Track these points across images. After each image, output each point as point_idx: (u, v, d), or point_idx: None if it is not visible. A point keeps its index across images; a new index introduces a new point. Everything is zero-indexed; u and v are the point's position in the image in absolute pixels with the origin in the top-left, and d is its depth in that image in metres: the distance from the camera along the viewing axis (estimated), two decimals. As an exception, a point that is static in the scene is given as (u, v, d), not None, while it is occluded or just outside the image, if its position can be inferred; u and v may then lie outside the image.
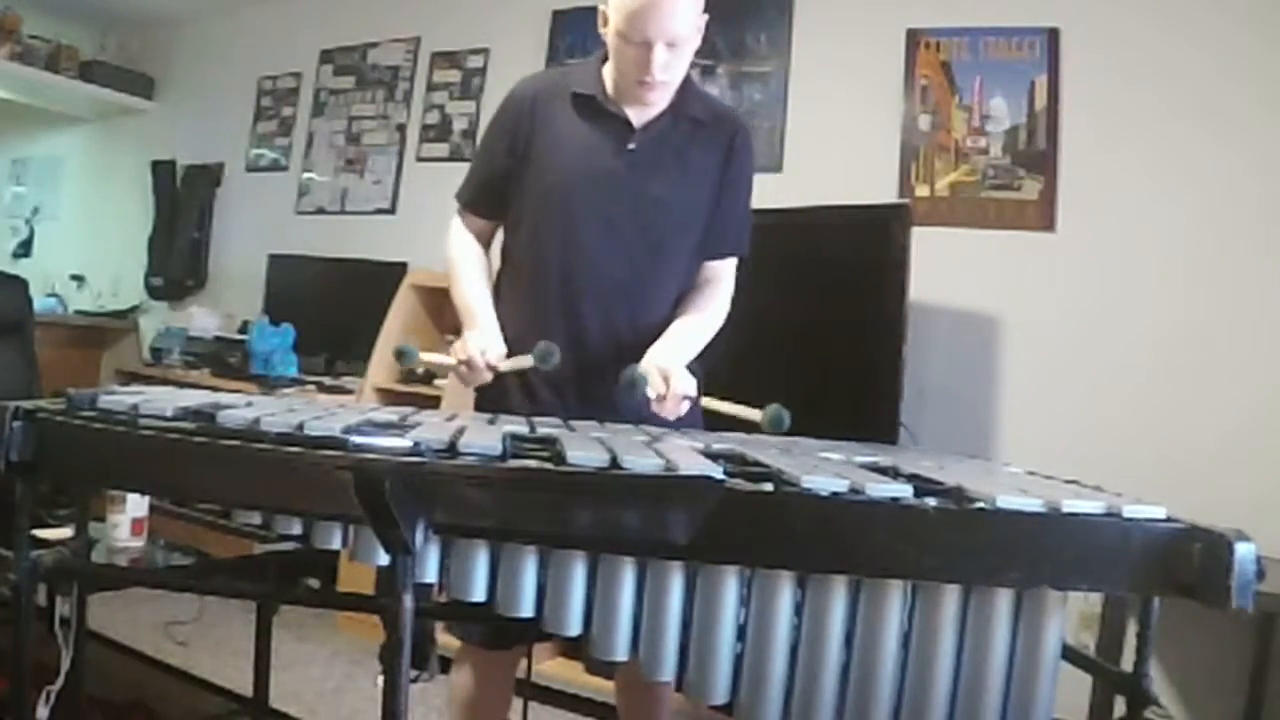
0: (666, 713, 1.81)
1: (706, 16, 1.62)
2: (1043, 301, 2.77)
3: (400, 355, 1.67)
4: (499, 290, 1.75)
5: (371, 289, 3.71)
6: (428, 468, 1.00)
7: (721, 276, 1.76)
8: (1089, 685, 2.25)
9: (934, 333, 2.80)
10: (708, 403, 1.69)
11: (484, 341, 1.60)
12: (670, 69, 1.58)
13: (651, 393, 1.51)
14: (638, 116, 1.66)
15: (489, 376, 1.59)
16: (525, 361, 1.57)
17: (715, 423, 1.62)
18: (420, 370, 1.53)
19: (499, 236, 1.81)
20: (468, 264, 1.74)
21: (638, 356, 1.59)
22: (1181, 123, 2.63)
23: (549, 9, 3.71)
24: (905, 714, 1.01)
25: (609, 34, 1.60)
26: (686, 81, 1.67)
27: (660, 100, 1.64)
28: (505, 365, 1.59)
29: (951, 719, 1.01)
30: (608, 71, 1.67)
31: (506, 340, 1.64)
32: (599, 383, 1.62)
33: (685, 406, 1.55)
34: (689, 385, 1.55)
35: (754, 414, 1.52)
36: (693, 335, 1.67)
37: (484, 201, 1.76)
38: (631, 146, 1.65)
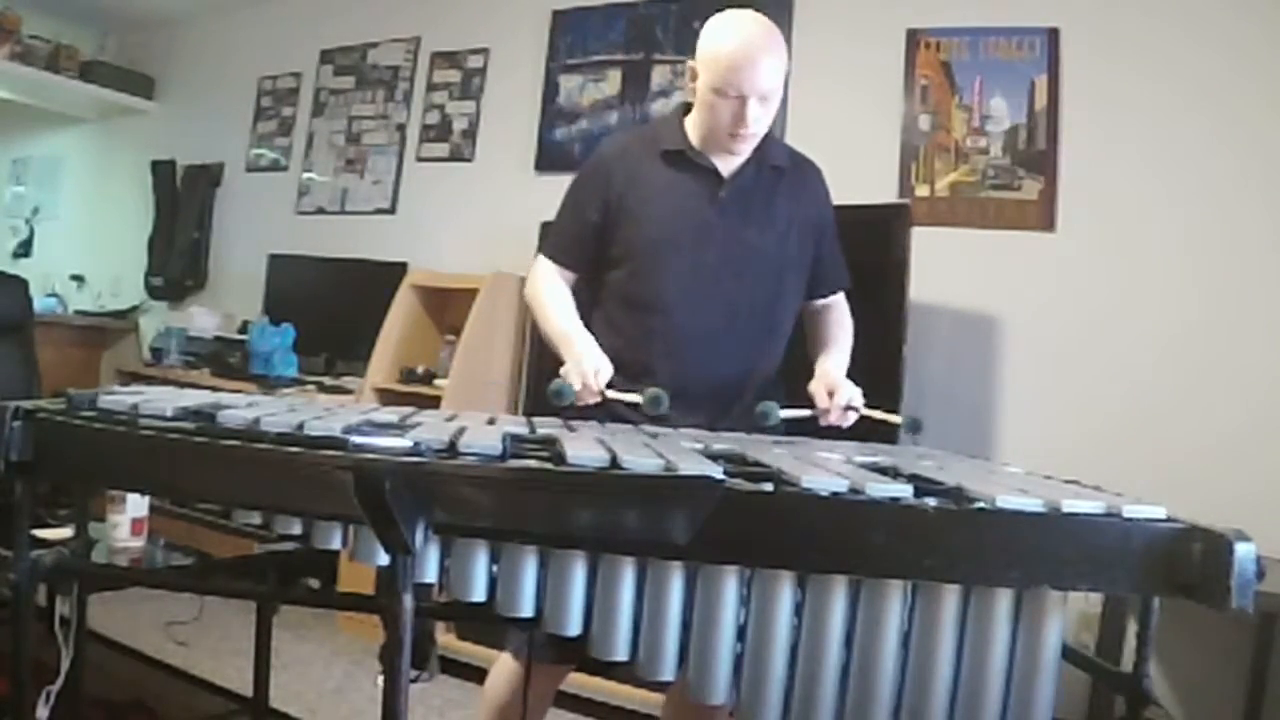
0: None
1: (789, 70, 1.69)
2: (1043, 301, 2.77)
3: (558, 395, 1.56)
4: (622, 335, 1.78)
5: (371, 289, 3.71)
6: (428, 468, 1.00)
7: (840, 305, 1.89)
8: (1089, 685, 2.26)
9: (934, 333, 2.80)
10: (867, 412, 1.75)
11: (596, 363, 1.59)
12: (760, 121, 1.65)
13: (792, 412, 1.62)
14: (724, 167, 1.72)
15: (599, 398, 1.59)
16: (634, 398, 1.56)
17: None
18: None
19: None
20: (559, 298, 1.76)
21: (735, 396, 1.71)
22: (1182, 122, 2.63)
23: (549, 9, 3.71)
24: (905, 714, 1.01)
25: (699, 88, 1.66)
26: (768, 131, 1.75)
27: (748, 150, 1.71)
28: (613, 394, 1.59)
29: (951, 719, 1.01)
30: (690, 124, 1.73)
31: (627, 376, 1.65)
32: (697, 422, 1.64)
33: (852, 417, 1.66)
34: (853, 395, 1.65)
35: (895, 419, 1.66)
36: (844, 349, 1.81)
37: (569, 256, 1.80)
38: (722, 195, 1.71)
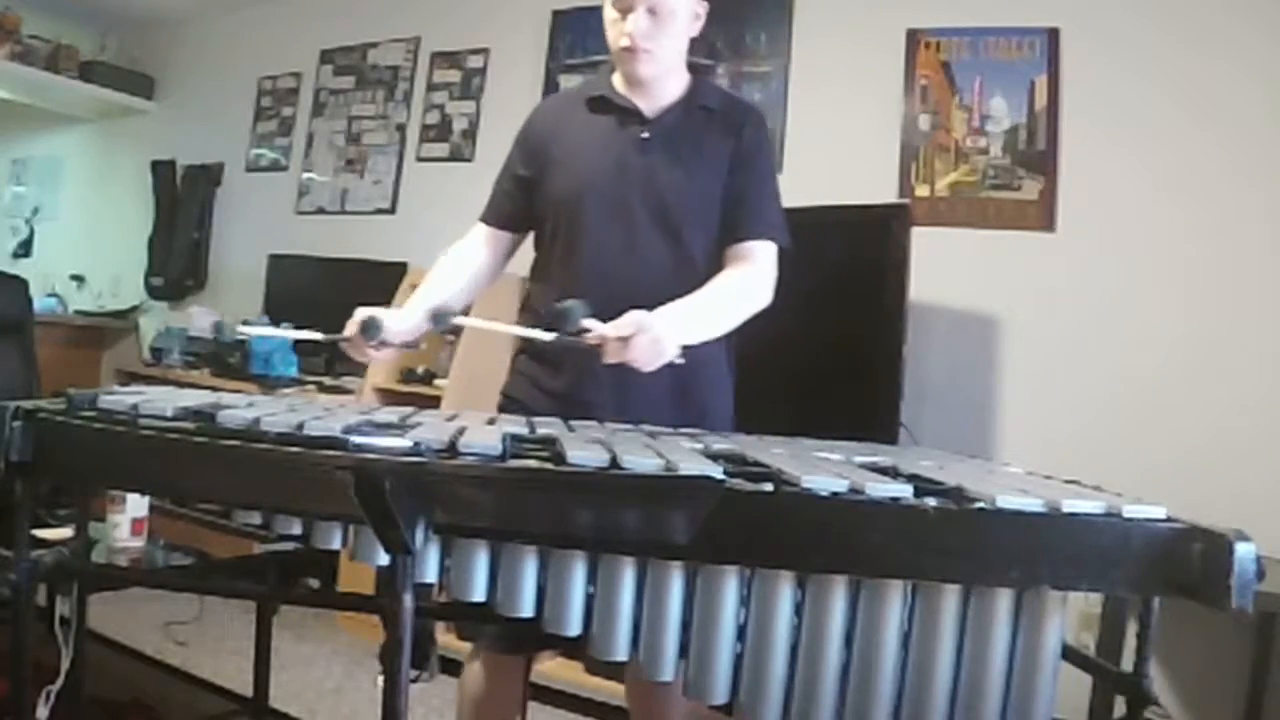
0: (679, 714, 1.81)
1: (707, 6, 1.67)
2: (1043, 301, 2.77)
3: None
4: (526, 310, 1.79)
5: (371, 289, 3.67)
6: (428, 468, 1.00)
7: (753, 256, 1.66)
8: (1089, 685, 2.25)
9: (934, 333, 2.80)
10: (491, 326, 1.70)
11: (363, 315, 1.62)
12: (652, 37, 1.60)
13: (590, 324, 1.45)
14: (648, 107, 1.68)
15: (364, 355, 1.66)
16: (522, 331, 1.51)
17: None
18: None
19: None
20: (439, 271, 1.77)
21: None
22: (1182, 122, 2.63)
23: (549, 9, 3.71)
24: (905, 714, 1.01)
25: (605, 9, 1.65)
26: (701, 75, 1.73)
27: (648, 72, 1.65)
28: (473, 322, 1.63)
29: (951, 719, 1.01)
30: (618, 73, 1.72)
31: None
32: (620, 373, 1.53)
33: (645, 360, 1.43)
34: (640, 335, 1.42)
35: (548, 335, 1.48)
36: (707, 300, 1.58)
37: (497, 214, 1.79)
38: (645, 135, 1.67)
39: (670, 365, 1.47)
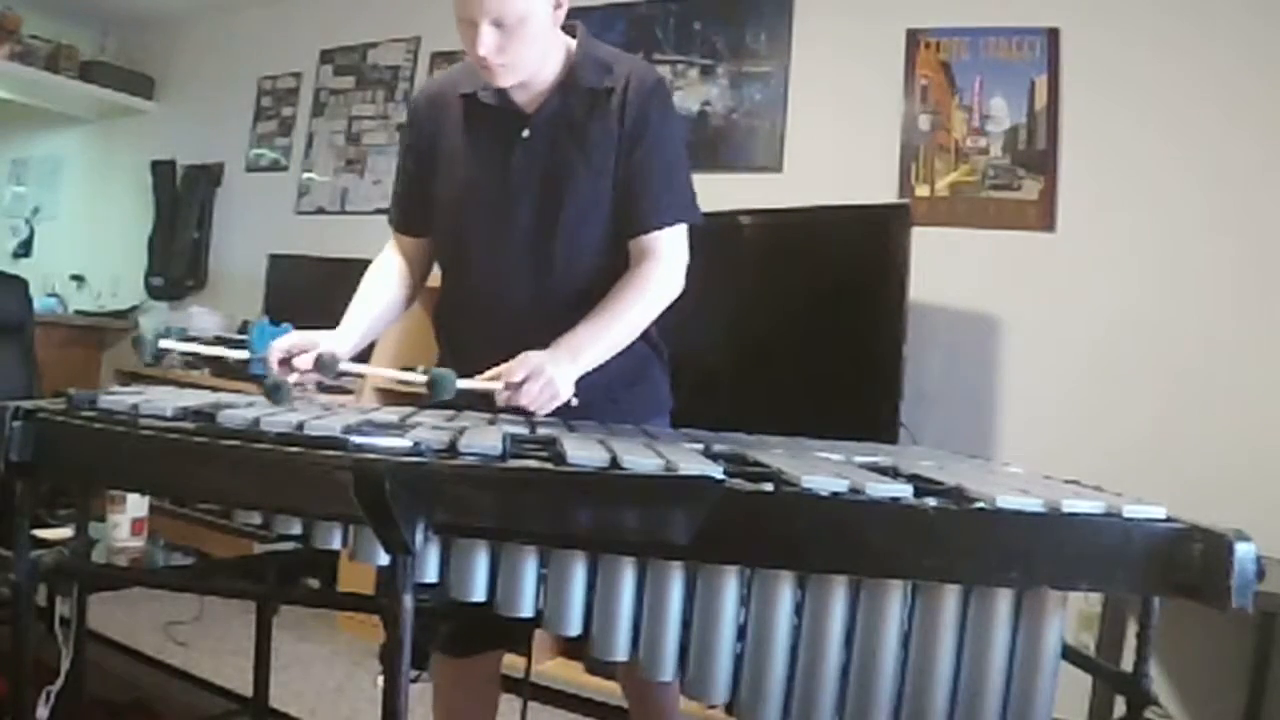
0: (675, 711, 1.80)
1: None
2: (1043, 301, 2.77)
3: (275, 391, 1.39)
4: (443, 311, 1.67)
5: (371, 289, 3.71)
6: (428, 468, 1.00)
7: (653, 251, 1.53)
8: (1089, 685, 2.25)
9: (934, 333, 2.80)
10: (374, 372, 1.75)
11: (289, 342, 1.45)
12: (505, 50, 1.44)
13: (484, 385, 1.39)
14: (525, 99, 1.54)
15: (296, 375, 1.44)
16: (408, 377, 1.36)
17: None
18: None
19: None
20: (365, 288, 1.64)
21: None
22: (1182, 122, 2.62)
23: (549, 9, 3.71)
24: (905, 714, 1.01)
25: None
26: (577, 50, 1.55)
27: (512, 78, 1.49)
28: (361, 369, 1.54)
29: (951, 719, 1.01)
30: None
31: (453, 359, 1.51)
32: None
33: (539, 404, 1.36)
34: (532, 385, 1.35)
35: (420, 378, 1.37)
36: (603, 323, 1.47)
37: (401, 218, 1.67)
38: (525, 134, 1.53)
39: (566, 405, 1.39)
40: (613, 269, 1.53)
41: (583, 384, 1.42)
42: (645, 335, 1.57)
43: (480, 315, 1.55)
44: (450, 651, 1.65)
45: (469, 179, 1.55)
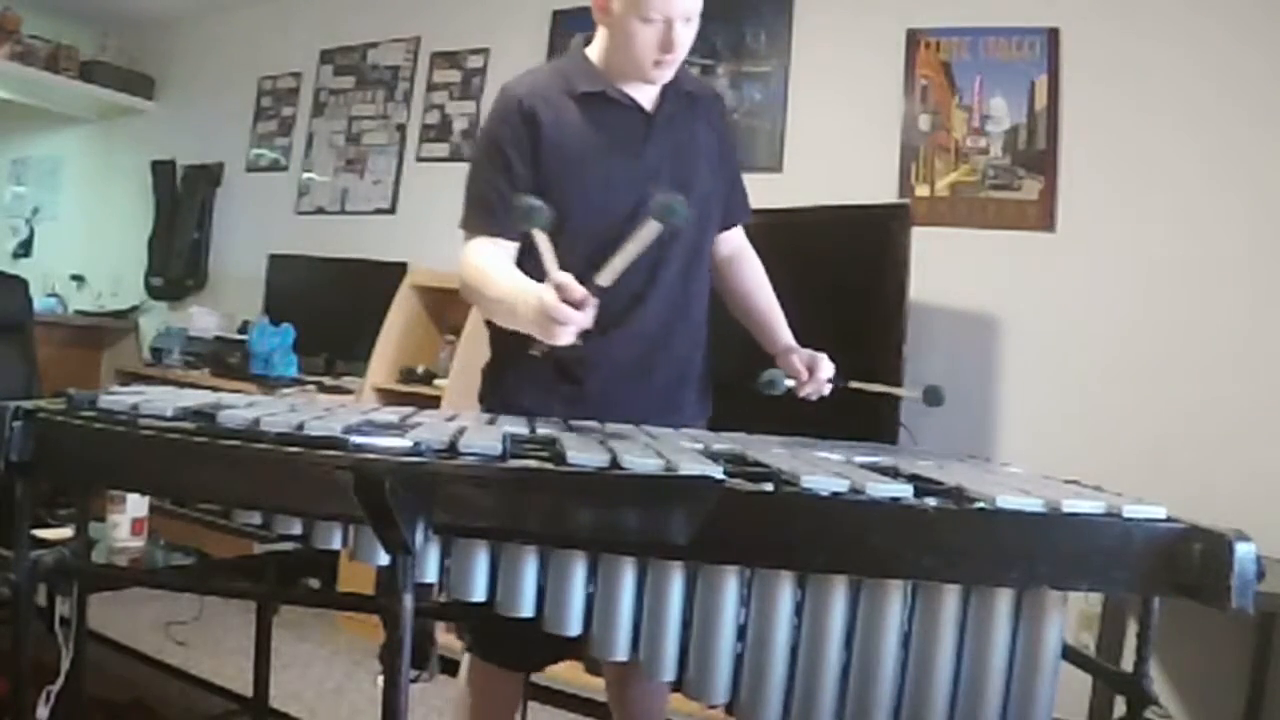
0: (662, 710, 1.81)
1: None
2: (1043, 301, 2.77)
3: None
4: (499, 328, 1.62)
5: (371, 289, 3.71)
6: (428, 468, 1.00)
7: (747, 244, 1.83)
8: (1089, 685, 2.25)
9: (934, 333, 2.79)
10: (855, 384, 1.74)
11: (554, 282, 1.32)
12: (685, 45, 1.58)
13: (790, 381, 1.63)
14: (645, 98, 1.64)
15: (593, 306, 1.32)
16: (645, 236, 1.32)
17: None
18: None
19: None
20: (497, 264, 1.55)
21: (688, 348, 1.69)
22: (1181, 122, 2.63)
23: (549, 9, 3.71)
24: (905, 714, 1.01)
25: (616, 19, 1.54)
26: None
27: (672, 73, 1.62)
28: (615, 265, 1.34)
29: (951, 719, 1.01)
30: (598, 60, 1.63)
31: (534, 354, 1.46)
32: (645, 381, 1.64)
33: (827, 389, 1.65)
34: (829, 369, 1.65)
35: (907, 393, 1.65)
36: (781, 312, 1.78)
37: (506, 224, 1.53)
38: (652, 131, 1.64)
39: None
40: (709, 251, 1.75)
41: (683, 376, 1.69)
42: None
43: (619, 292, 1.47)
44: (516, 666, 1.65)
45: (605, 172, 1.60)
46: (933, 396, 1.64)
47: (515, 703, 1.79)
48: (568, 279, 1.30)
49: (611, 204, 1.57)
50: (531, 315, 1.34)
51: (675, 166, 1.64)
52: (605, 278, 1.34)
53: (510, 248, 1.58)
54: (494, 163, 1.60)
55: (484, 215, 1.61)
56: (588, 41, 1.67)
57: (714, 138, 1.72)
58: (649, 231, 1.33)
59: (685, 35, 1.57)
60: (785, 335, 1.74)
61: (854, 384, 1.69)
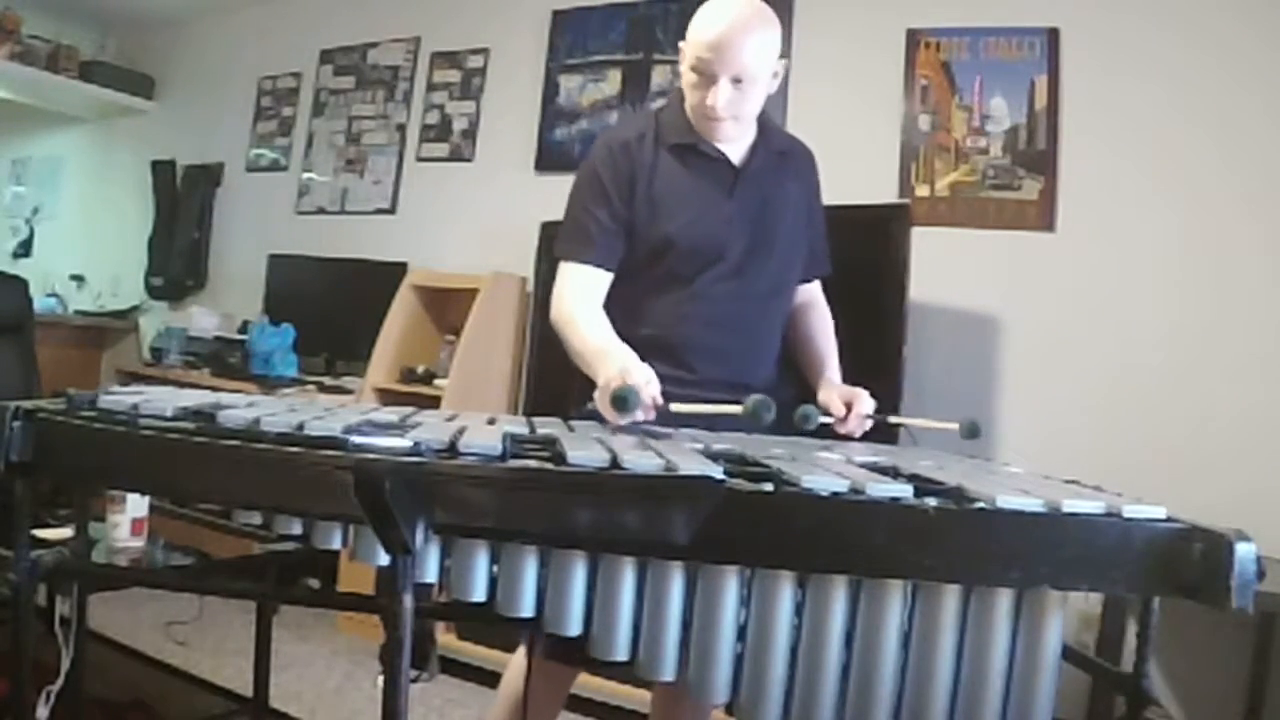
0: None
1: (786, 62, 1.68)
2: (1043, 301, 2.77)
3: (623, 402, 1.39)
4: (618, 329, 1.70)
5: (371, 289, 3.71)
6: (428, 468, 1.00)
7: (819, 296, 1.91)
8: (1089, 685, 2.26)
9: (934, 333, 2.80)
10: (894, 419, 1.80)
11: (648, 373, 1.46)
12: (735, 105, 1.62)
13: (825, 419, 1.64)
14: (734, 153, 1.72)
15: (652, 413, 1.44)
16: (730, 410, 1.40)
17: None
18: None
19: None
20: (590, 313, 1.64)
21: (763, 381, 1.71)
22: (1181, 123, 2.63)
23: (549, 9, 3.71)
24: (905, 714, 1.01)
25: (683, 70, 1.65)
26: (760, 116, 1.74)
27: (730, 134, 1.68)
28: (693, 408, 1.44)
29: (951, 719, 1.01)
30: (689, 113, 1.70)
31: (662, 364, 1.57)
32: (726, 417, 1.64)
33: (869, 424, 1.69)
34: (869, 405, 1.68)
35: (948, 425, 1.61)
36: (837, 356, 1.84)
37: (606, 254, 1.68)
38: (738, 185, 1.71)
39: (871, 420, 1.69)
40: (790, 302, 1.84)
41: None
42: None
43: (701, 336, 1.69)
44: (552, 656, 1.64)
45: (698, 217, 1.69)
46: (969, 430, 1.59)
47: (563, 695, 1.80)
48: (655, 394, 1.43)
49: (701, 234, 1.68)
50: (602, 383, 1.46)
51: (761, 218, 1.72)
52: (677, 407, 1.44)
53: (605, 278, 1.69)
54: (596, 196, 1.69)
55: (582, 244, 1.69)
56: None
57: (804, 192, 1.81)
58: (733, 410, 1.40)
59: (733, 95, 1.60)
60: (832, 374, 1.79)
61: (893, 419, 1.72)
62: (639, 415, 1.41)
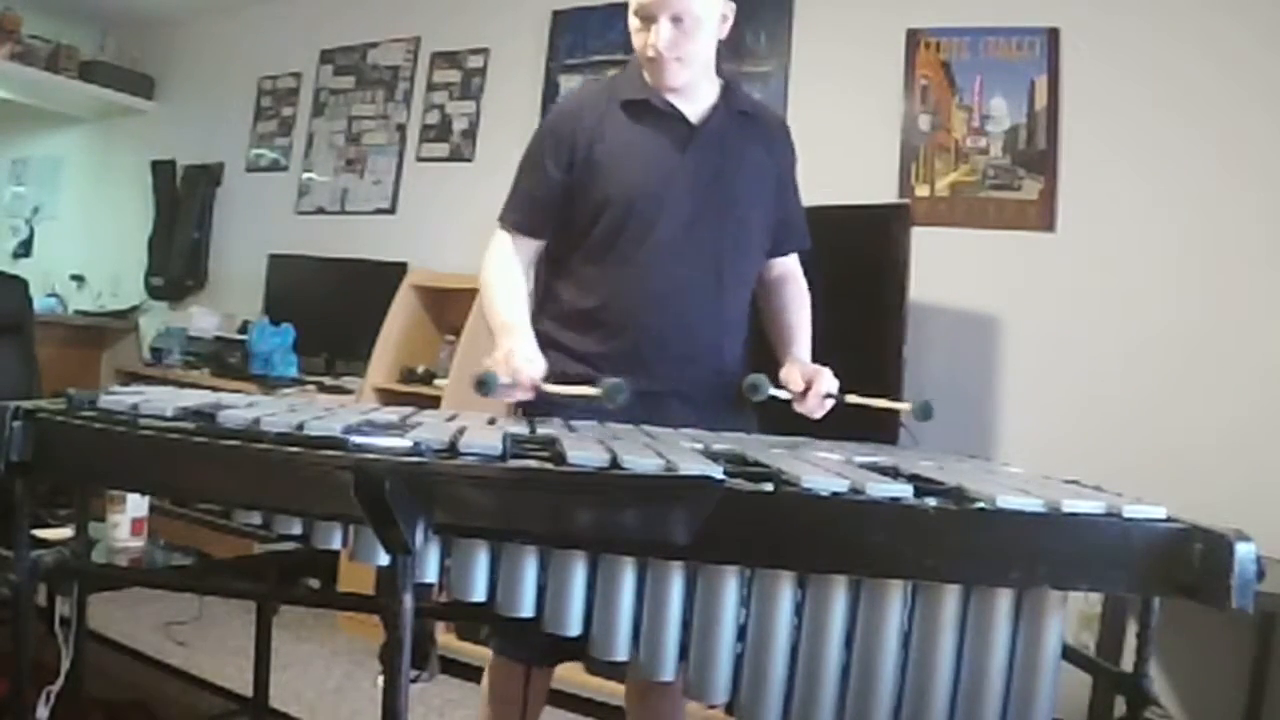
0: (680, 716, 1.81)
1: (734, 6, 1.66)
2: (1043, 301, 2.77)
3: (482, 385, 1.46)
4: (550, 307, 1.72)
5: (371, 289, 3.71)
6: (428, 468, 1.00)
7: (797, 271, 1.84)
8: (1089, 685, 2.25)
9: (934, 333, 2.79)
10: (851, 399, 1.71)
11: (528, 355, 1.52)
12: (677, 46, 1.59)
13: (779, 391, 1.59)
14: (691, 112, 1.67)
15: (530, 393, 1.51)
16: (582, 391, 1.46)
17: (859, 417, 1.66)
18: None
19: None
20: (509, 284, 1.67)
21: (709, 347, 1.67)
22: (1181, 123, 2.62)
23: (549, 9, 3.71)
24: (905, 714, 1.01)
25: (630, 20, 1.64)
26: (732, 77, 1.73)
27: (677, 78, 1.63)
28: (558, 389, 1.50)
29: (952, 719, 1.01)
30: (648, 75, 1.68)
31: (571, 355, 1.64)
32: (676, 390, 1.64)
33: (829, 404, 1.61)
34: (832, 384, 1.61)
35: (901, 406, 1.61)
36: (808, 334, 1.77)
37: (533, 220, 1.71)
38: (693, 142, 1.66)
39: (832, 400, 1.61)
40: (755, 270, 1.77)
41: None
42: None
43: (646, 297, 1.64)
44: (543, 662, 1.65)
45: (641, 176, 1.65)
46: (922, 411, 1.58)
47: (532, 704, 1.74)
48: (533, 376, 1.49)
49: (640, 193, 1.63)
50: (500, 355, 1.51)
51: (718, 180, 1.67)
52: (549, 388, 1.50)
53: (528, 244, 1.71)
54: (529, 164, 1.73)
55: (508, 209, 1.73)
56: None
57: (771, 164, 1.75)
58: (589, 392, 1.45)
59: (675, 37, 1.58)
60: (799, 350, 1.73)
61: (850, 398, 1.65)
62: (518, 395, 1.49)
